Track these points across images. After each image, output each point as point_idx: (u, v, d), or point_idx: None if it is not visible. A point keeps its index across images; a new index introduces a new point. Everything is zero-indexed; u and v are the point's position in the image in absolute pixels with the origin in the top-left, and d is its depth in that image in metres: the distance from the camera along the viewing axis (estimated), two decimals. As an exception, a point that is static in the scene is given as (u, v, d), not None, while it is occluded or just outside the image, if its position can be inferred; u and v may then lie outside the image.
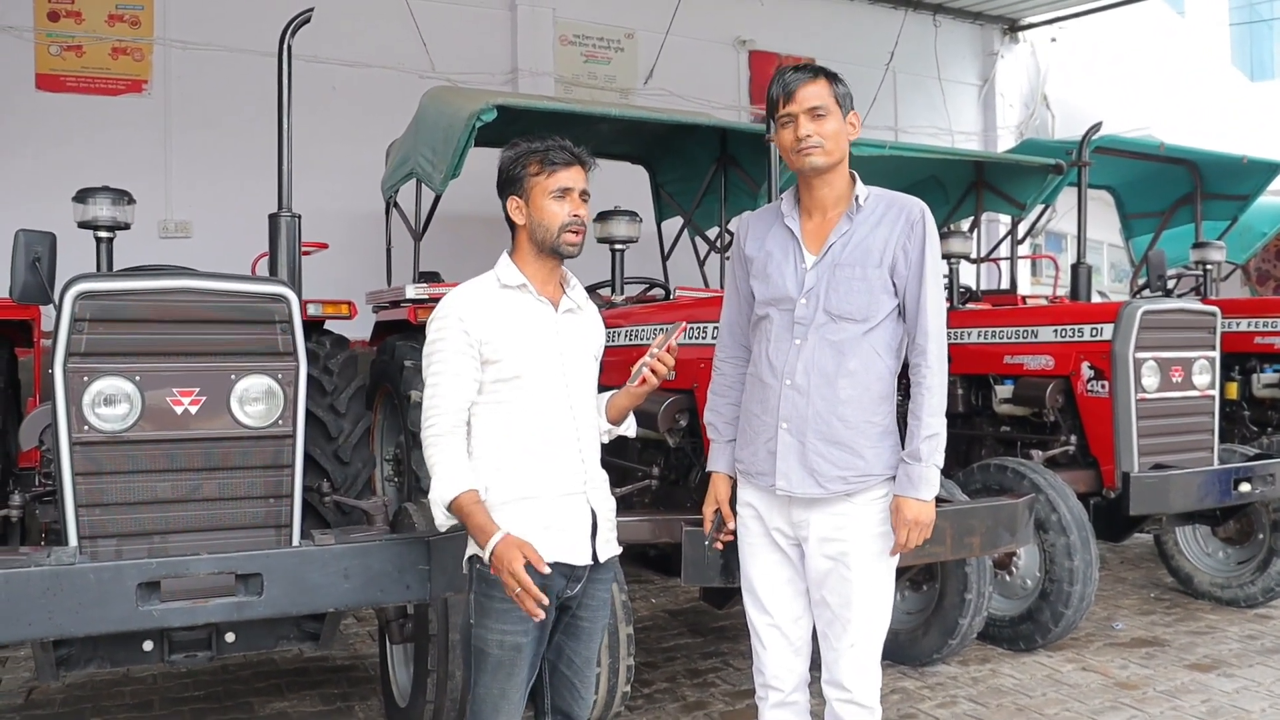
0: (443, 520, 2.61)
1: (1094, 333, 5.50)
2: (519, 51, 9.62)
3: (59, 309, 3.15)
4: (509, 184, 2.72)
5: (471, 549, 2.66)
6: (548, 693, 2.79)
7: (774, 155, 4.72)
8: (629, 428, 2.95)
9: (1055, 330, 5.72)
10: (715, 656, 5.11)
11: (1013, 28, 13.17)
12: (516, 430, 2.64)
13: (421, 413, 2.65)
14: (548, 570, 2.49)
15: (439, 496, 2.57)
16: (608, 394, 2.88)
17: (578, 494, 2.68)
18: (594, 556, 2.71)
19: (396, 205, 6.92)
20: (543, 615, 2.48)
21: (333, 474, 5.01)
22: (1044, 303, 8.05)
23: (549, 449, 2.66)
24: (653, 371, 2.72)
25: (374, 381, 6.42)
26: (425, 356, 2.68)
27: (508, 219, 2.75)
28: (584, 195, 2.72)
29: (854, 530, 2.80)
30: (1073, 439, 5.59)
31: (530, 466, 2.63)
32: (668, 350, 2.73)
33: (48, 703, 4.53)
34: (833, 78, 2.80)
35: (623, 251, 5.67)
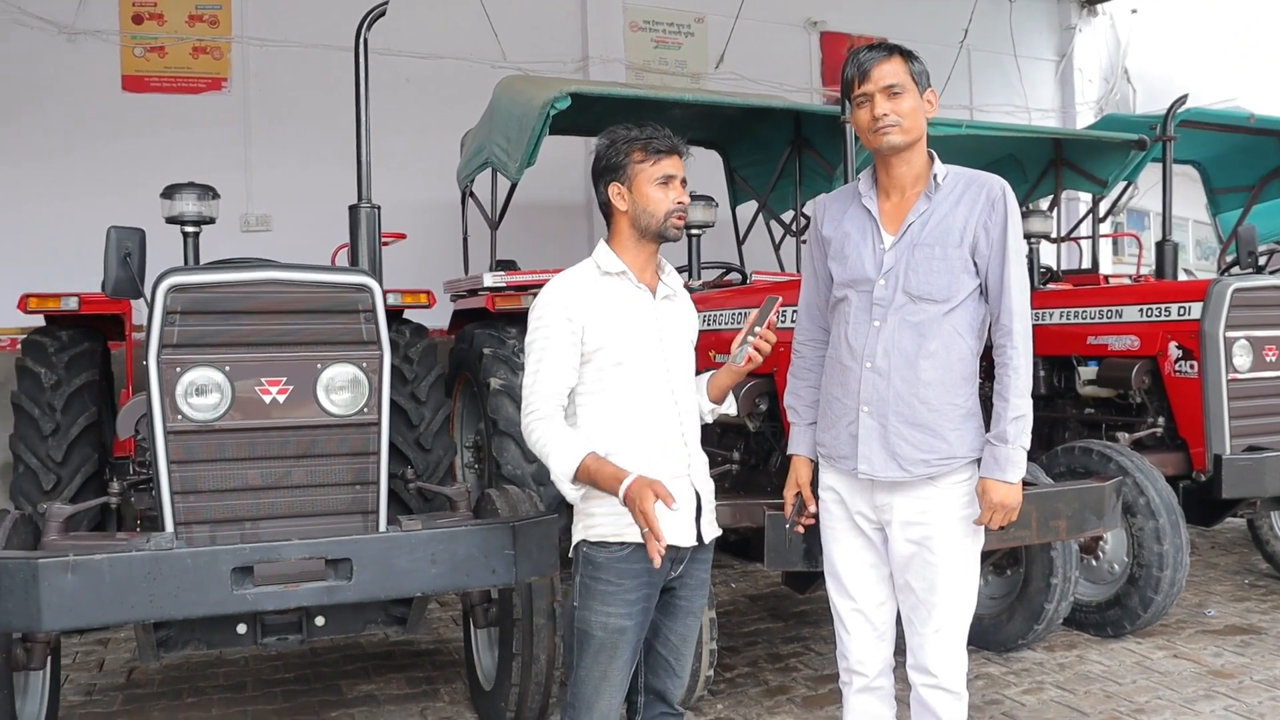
0: (572, 493, 2.60)
1: (1182, 311, 5.36)
2: (589, 39, 9.63)
3: (151, 303, 3.24)
4: (610, 170, 2.73)
5: (579, 534, 2.70)
6: (643, 671, 2.81)
7: (849, 136, 4.67)
8: (730, 406, 2.98)
9: (1141, 310, 5.59)
10: (796, 641, 5.09)
11: (1091, 0, 12.85)
12: (621, 416, 2.66)
13: (522, 398, 2.68)
14: (677, 506, 2.49)
15: (562, 470, 2.57)
16: (707, 374, 2.91)
17: (682, 477, 2.71)
18: (698, 537, 2.73)
19: (472, 194, 6.99)
20: (660, 562, 2.47)
21: (415, 461, 5.10)
22: (1127, 282, 7.87)
23: (653, 434, 2.68)
24: (757, 350, 2.73)
25: (453, 369, 6.50)
26: (528, 344, 2.70)
27: (603, 205, 2.77)
28: (683, 182, 2.74)
29: (938, 514, 2.77)
30: (1160, 421, 5.47)
31: (636, 451, 2.65)
32: (768, 326, 2.73)
33: (147, 682, 4.68)
34: (908, 55, 2.76)
35: (699, 236, 5.66)
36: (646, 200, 2.69)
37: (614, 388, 2.67)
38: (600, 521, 2.64)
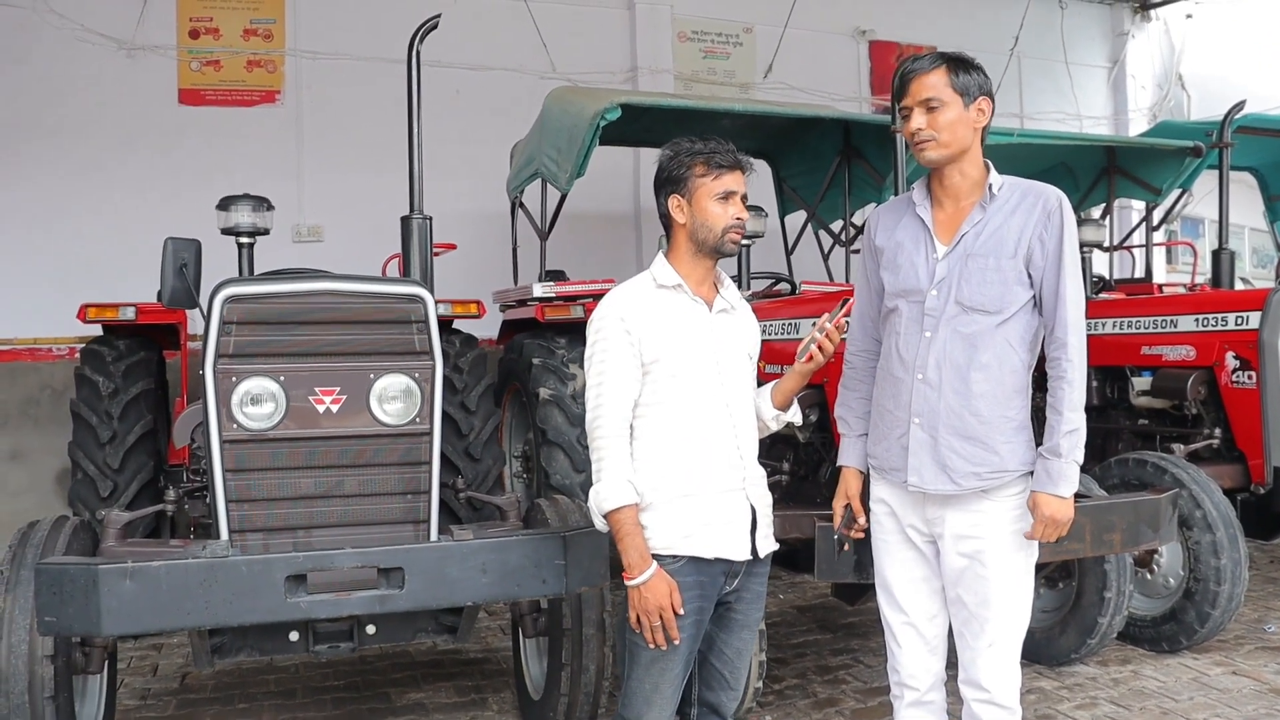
0: (602, 525, 2.67)
1: (1239, 321, 5.27)
2: (638, 50, 9.66)
3: (208, 312, 3.28)
4: (671, 183, 2.74)
5: None
6: (696, 684, 2.81)
7: (900, 146, 4.64)
8: (795, 414, 2.97)
9: (1196, 319, 5.50)
10: (845, 653, 5.06)
11: (1144, 5, 12.67)
12: (675, 429, 2.67)
13: (587, 411, 2.69)
14: (683, 613, 2.58)
15: (600, 504, 2.62)
16: (772, 383, 2.91)
17: (737, 490, 2.71)
18: (753, 551, 2.73)
19: (522, 205, 7.04)
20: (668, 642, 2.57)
21: (464, 470, 5.13)
22: (1182, 291, 7.75)
23: (707, 447, 2.68)
24: (819, 349, 2.74)
25: (502, 379, 6.54)
26: (588, 359, 2.72)
27: (663, 217, 2.78)
28: (744, 198, 2.74)
29: (990, 527, 2.74)
30: (1217, 432, 5.37)
31: (690, 464, 2.66)
32: (836, 326, 2.74)
33: (200, 688, 4.74)
34: (956, 64, 2.73)
35: (748, 247, 5.65)
36: (705, 215, 2.69)
37: (669, 400, 2.68)
38: (654, 533, 2.64)
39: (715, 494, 2.68)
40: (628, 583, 2.58)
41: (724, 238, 2.71)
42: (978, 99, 2.74)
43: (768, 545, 2.79)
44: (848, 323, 2.96)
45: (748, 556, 2.72)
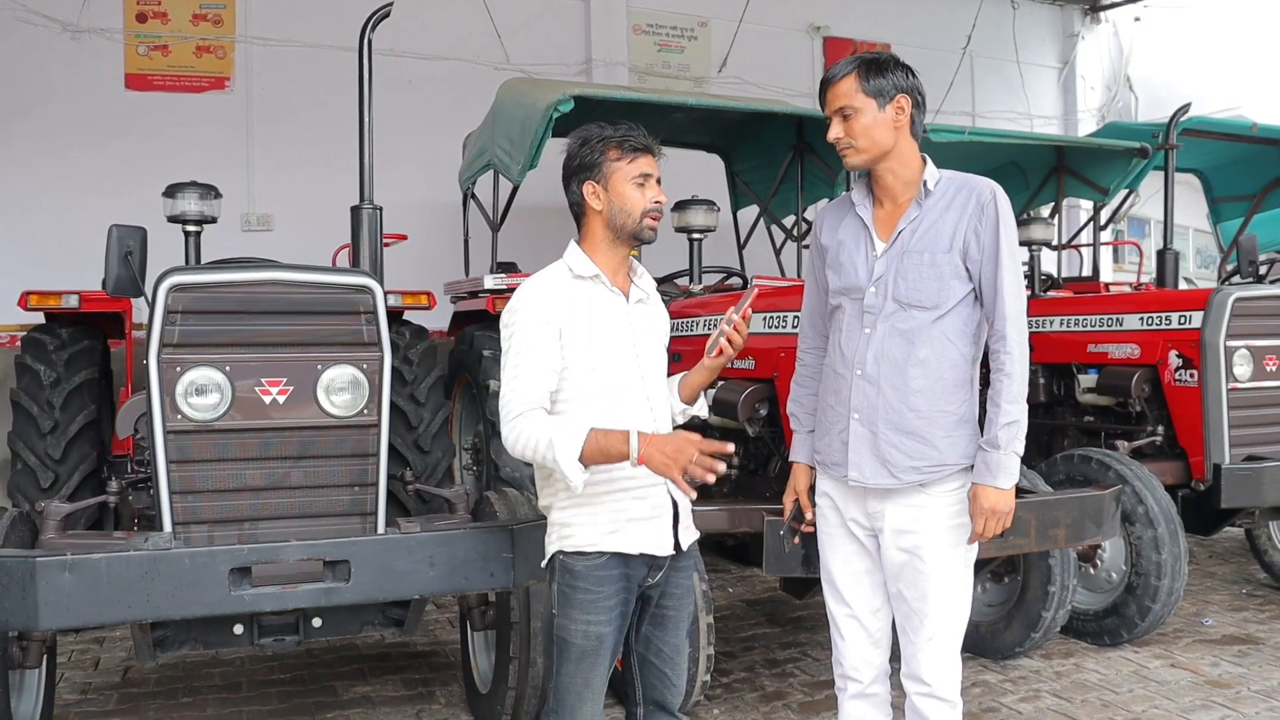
0: (580, 478, 2.46)
1: (1182, 320, 5.37)
2: (593, 42, 9.62)
3: (152, 302, 3.23)
4: (584, 169, 2.68)
5: (553, 545, 2.67)
6: (639, 684, 2.80)
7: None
8: (701, 408, 2.95)
9: (1141, 318, 5.60)
10: (794, 646, 5.09)
11: (1094, 8, 12.83)
12: (594, 423, 2.50)
13: (500, 408, 2.58)
14: (731, 449, 2.44)
15: (567, 456, 2.43)
16: (679, 375, 2.88)
17: (658, 484, 2.66)
18: (676, 545, 2.71)
19: (474, 196, 6.99)
20: (713, 475, 2.38)
21: (413, 462, 5.09)
22: (1128, 290, 7.87)
23: None
24: (729, 341, 2.68)
25: (452, 371, 6.50)
26: (503, 352, 2.62)
27: (575, 206, 2.72)
28: (658, 181, 2.70)
29: (928, 522, 2.77)
30: (1159, 429, 5.48)
31: None
32: (743, 317, 2.69)
33: (143, 681, 4.67)
34: (867, 69, 2.74)
35: (700, 241, 5.66)
36: (623, 199, 2.64)
37: (588, 394, 2.61)
38: (576, 532, 2.62)
39: (637, 489, 2.63)
40: (630, 460, 2.41)
41: (642, 222, 2.66)
42: (895, 98, 2.74)
43: (689, 536, 2.76)
44: (788, 325, 2.95)
45: (670, 551, 2.68)
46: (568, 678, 2.65)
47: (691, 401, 2.90)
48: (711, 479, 2.37)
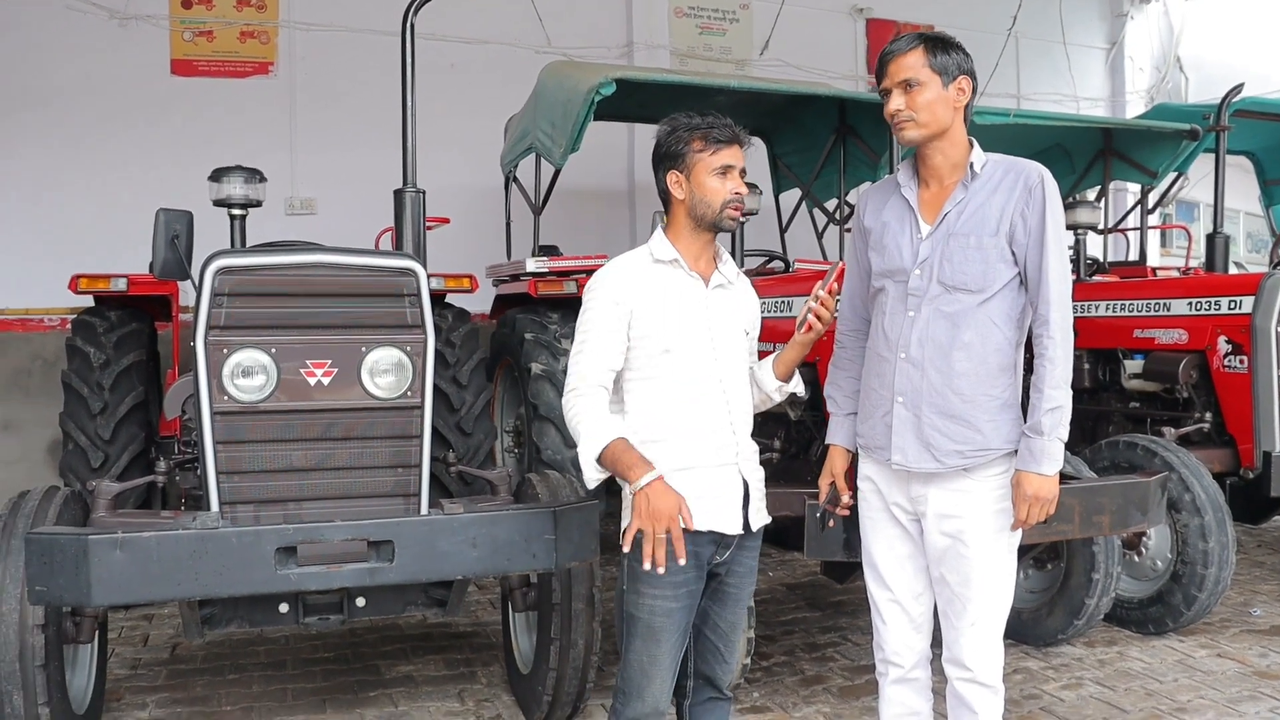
0: (593, 476, 2.59)
1: (1232, 305, 5.28)
2: (634, 25, 9.59)
3: (200, 284, 3.27)
4: (669, 158, 2.74)
5: (627, 519, 2.68)
6: (692, 657, 2.83)
7: (895, 125, 4.62)
8: (797, 384, 2.96)
9: (1189, 303, 5.51)
10: (833, 631, 5.08)
11: (1143, -12, 12.63)
12: (669, 404, 2.68)
13: (566, 379, 2.70)
14: (694, 527, 2.52)
15: (588, 452, 2.56)
16: (773, 355, 2.91)
17: (730, 465, 2.73)
18: (745, 525, 2.75)
19: (516, 180, 7.01)
20: (664, 569, 2.49)
21: (455, 445, 5.14)
22: (1176, 275, 7.75)
23: (701, 422, 2.70)
24: (816, 317, 2.75)
25: (494, 354, 6.53)
26: (578, 324, 2.74)
27: (662, 193, 2.78)
28: (742, 173, 2.74)
29: (971, 506, 2.75)
30: (1208, 416, 5.40)
31: (684, 438, 2.67)
32: (829, 293, 2.75)
33: (190, 658, 4.75)
34: (934, 45, 2.71)
35: (742, 224, 5.62)
36: (703, 190, 2.70)
37: (662, 374, 2.69)
38: None
39: (710, 468, 2.69)
40: (632, 487, 2.49)
41: (722, 213, 2.71)
42: (957, 78, 2.72)
43: (760, 519, 2.81)
44: (839, 289, 2.96)
45: (739, 530, 2.74)
46: (635, 654, 2.69)
47: (787, 379, 2.93)
48: (648, 566, 2.46)
